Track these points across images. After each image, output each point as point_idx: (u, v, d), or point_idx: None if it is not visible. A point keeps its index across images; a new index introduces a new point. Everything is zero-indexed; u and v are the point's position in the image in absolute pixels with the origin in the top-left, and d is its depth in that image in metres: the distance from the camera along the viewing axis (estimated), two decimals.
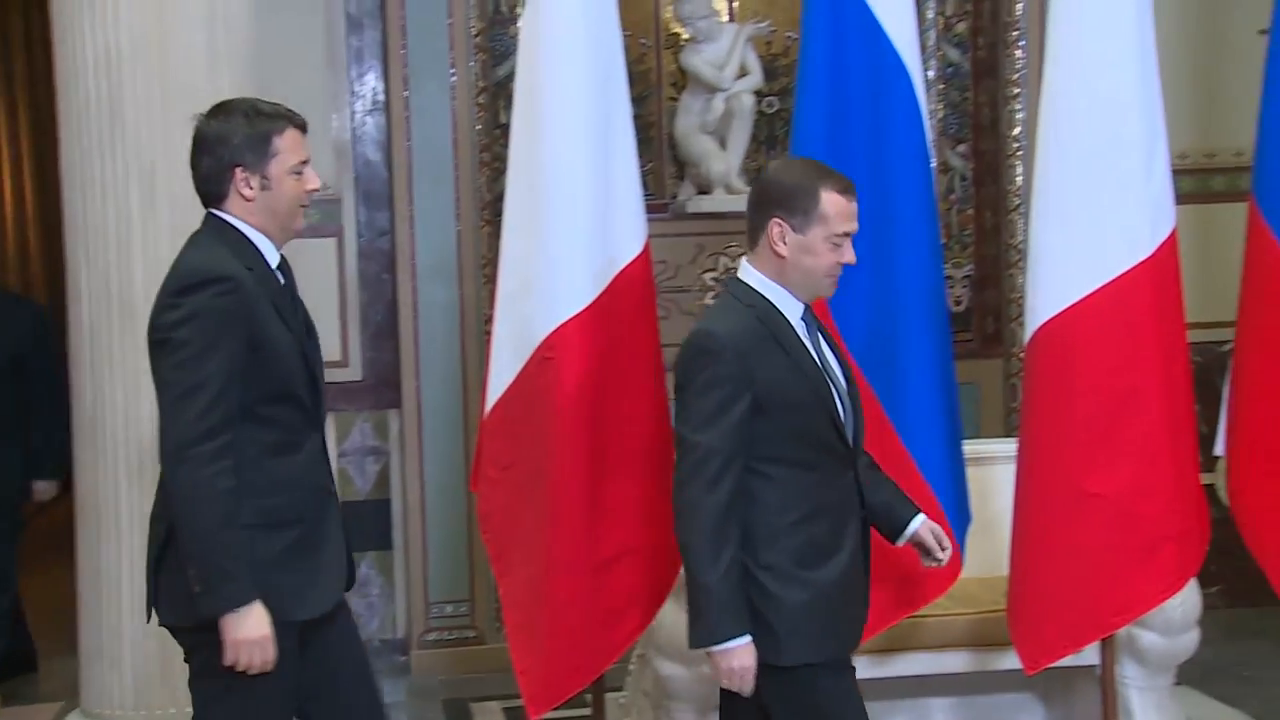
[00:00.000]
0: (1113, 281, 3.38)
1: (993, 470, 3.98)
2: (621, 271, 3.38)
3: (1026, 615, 3.49)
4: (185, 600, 2.62)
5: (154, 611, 2.75)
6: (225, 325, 2.59)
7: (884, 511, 2.96)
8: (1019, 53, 5.49)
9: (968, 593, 3.97)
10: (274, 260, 2.76)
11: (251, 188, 2.71)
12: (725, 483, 2.68)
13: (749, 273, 2.82)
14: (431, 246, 5.49)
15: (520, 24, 3.45)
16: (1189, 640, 3.94)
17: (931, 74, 5.77)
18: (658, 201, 6.26)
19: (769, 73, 6.02)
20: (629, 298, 3.40)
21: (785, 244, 2.76)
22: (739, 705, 2.81)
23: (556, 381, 3.29)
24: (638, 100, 6.25)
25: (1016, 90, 5.52)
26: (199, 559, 2.58)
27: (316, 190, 2.80)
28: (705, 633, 2.69)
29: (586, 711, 3.58)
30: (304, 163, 2.75)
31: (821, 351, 2.85)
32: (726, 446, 2.68)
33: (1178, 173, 5.50)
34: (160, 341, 2.63)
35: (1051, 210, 3.47)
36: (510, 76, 4.52)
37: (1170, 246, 3.47)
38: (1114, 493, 3.38)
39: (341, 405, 5.59)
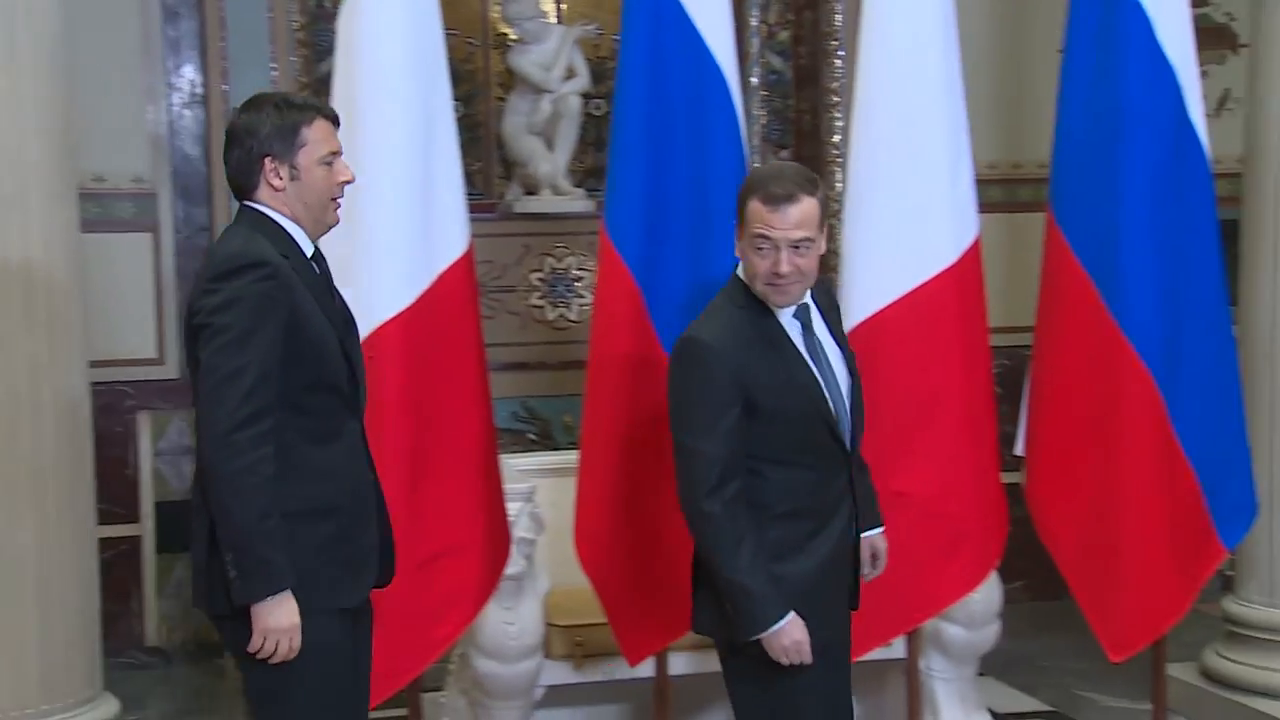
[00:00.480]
0: (917, 288, 3.50)
1: None
2: (444, 272, 3.37)
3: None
4: (226, 590, 2.58)
5: (204, 602, 2.67)
6: (265, 311, 2.55)
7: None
8: (838, 62, 5.63)
9: None
10: (309, 250, 2.73)
11: (281, 178, 2.68)
12: (729, 487, 2.75)
13: (741, 273, 2.88)
14: None
15: (339, 19, 3.40)
16: (990, 633, 4.10)
17: (755, 80, 5.89)
18: (485, 201, 6.26)
19: (596, 75, 6.07)
20: (452, 298, 3.39)
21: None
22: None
23: (377, 382, 3.27)
24: (465, 100, 6.27)
25: (836, 99, 5.66)
26: (236, 545, 2.53)
27: (350, 181, 2.76)
28: (750, 625, 2.76)
29: (404, 712, 3.57)
30: (335, 154, 2.72)
31: (818, 351, 2.86)
32: (724, 452, 2.74)
33: (986, 183, 5.76)
34: (200, 327, 2.59)
35: (861, 217, 3.58)
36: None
37: (973, 254, 3.61)
38: (918, 492, 3.50)
39: (158, 404, 5.46)
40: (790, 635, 2.76)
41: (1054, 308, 3.65)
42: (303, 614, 2.58)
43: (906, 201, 3.52)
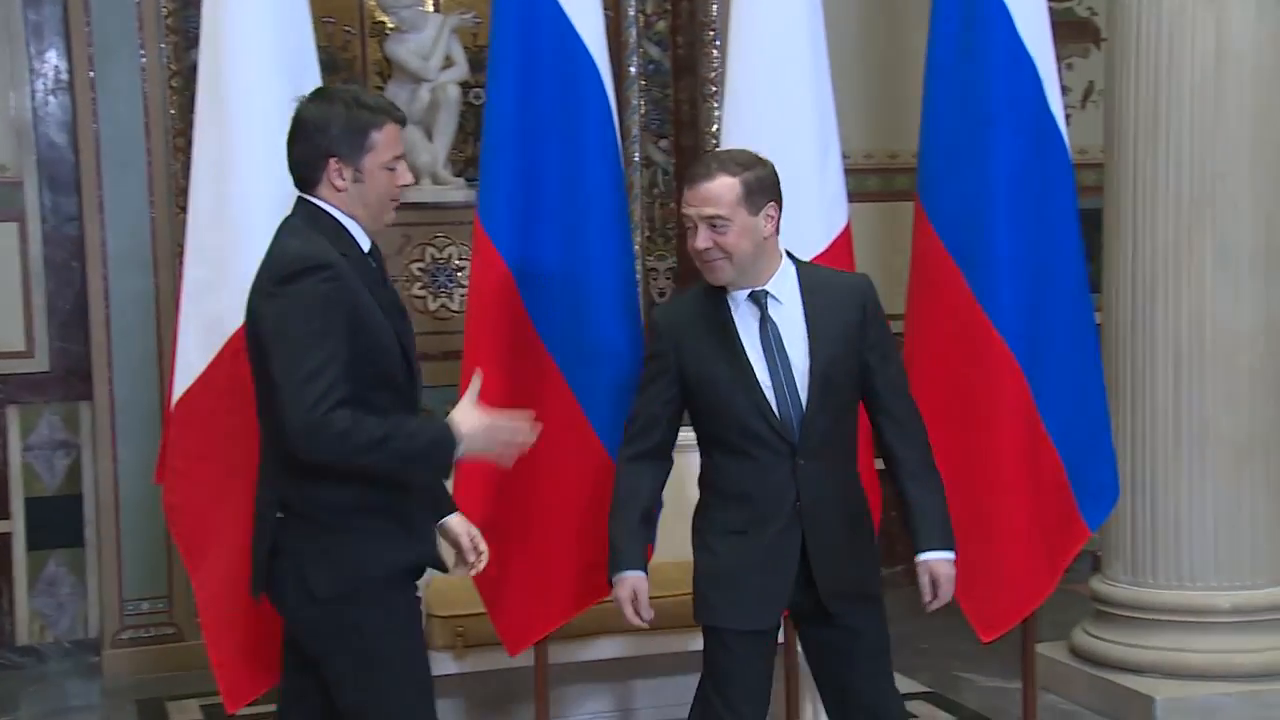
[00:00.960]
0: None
1: (689, 457, 4.12)
2: None
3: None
4: (303, 583, 2.68)
5: (270, 599, 2.78)
6: (331, 312, 2.59)
7: (912, 522, 3.01)
8: (715, 52, 5.66)
9: (666, 576, 4.07)
10: (365, 245, 2.77)
11: (344, 179, 2.72)
12: (636, 443, 3.01)
13: None
14: (123, 234, 5.29)
15: (205, 6, 3.35)
16: None
17: (633, 70, 5.90)
18: None
19: (476, 64, 6.03)
20: None
21: None
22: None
23: (250, 377, 3.24)
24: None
25: (714, 88, 5.69)
26: (407, 465, 2.70)
27: (410, 185, 2.82)
28: (609, 573, 3.02)
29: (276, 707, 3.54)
30: (398, 158, 2.76)
31: (770, 341, 2.89)
32: (644, 412, 3.01)
33: (864, 172, 5.90)
34: (267, 334, 2.62)
35: None
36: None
37: (843, 242, 3.66)
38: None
39: (27, 397, 5.35)
40: (620, 590, 2.99)
41: (923, 295, 3.72)
42: (373, 602, 2.70)
43: None
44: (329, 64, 6.11)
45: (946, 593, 3.01)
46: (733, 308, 2.94)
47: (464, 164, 6.12)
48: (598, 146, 3.45)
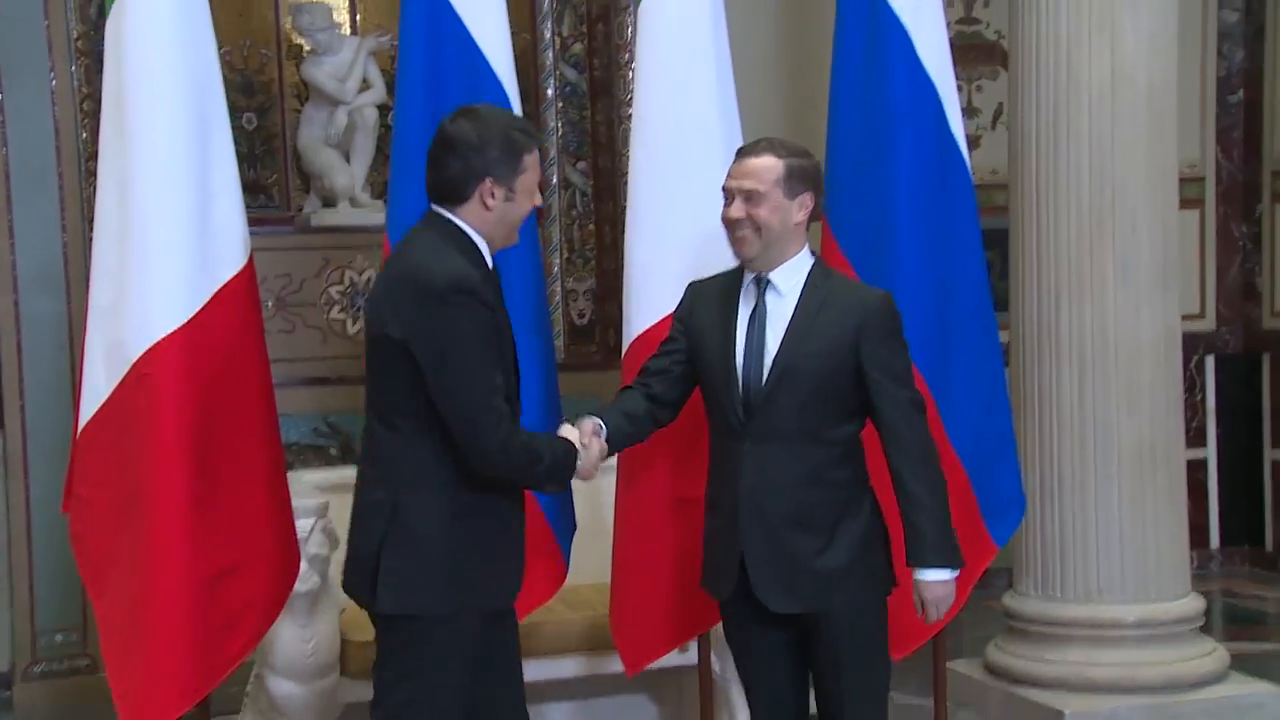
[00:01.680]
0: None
1: (605, 479, 4.14)
2: (223, 287, 3.30)
3: (627, 618, 3.65)
4: (402, 588, 2.82)
5: (371, 597, 2.86)
6: (491, 333, 2.78)
7: (905, 539, 3.03)
8: (631, 74, 5.71)
9: (581, 598, 4.11)
10: (490, 264, 2.91)
11: (494, 198, 2.84)
12: (637, 379, 3.21)
13: None
14: (34, 257, 5.23)
15: (107, 26, 3.33)
16: None
17: (550, 92, 5.94)
18: (282, 214, 6.19)
19: (392, 86, 5.99)
20: (233, 313, 3.32)
21: None
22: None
23: (155, 399, 3.21)
24: (260, 111, 6.19)
25: (630, 110, 5.71)
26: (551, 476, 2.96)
27: (540, 206, 2.97)
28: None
29: None
30: (538, 181, 2.93)
31: (757, 322, 3.00)
32: (652, 362, 3.20)
33: None
34: (435, 349, 2.75)
35: (643, 227, 3.65)
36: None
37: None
38: (702, 498, 3.59)
39: None
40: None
41: None
42: (452, 614, 2.82)
43: (684, 214, 3.59)
44: (245, 87, 6.12)
45: (937, 615, 3.04)
46: (741, 288, 3.07)
47: (383, 186, 6.11)
48: None
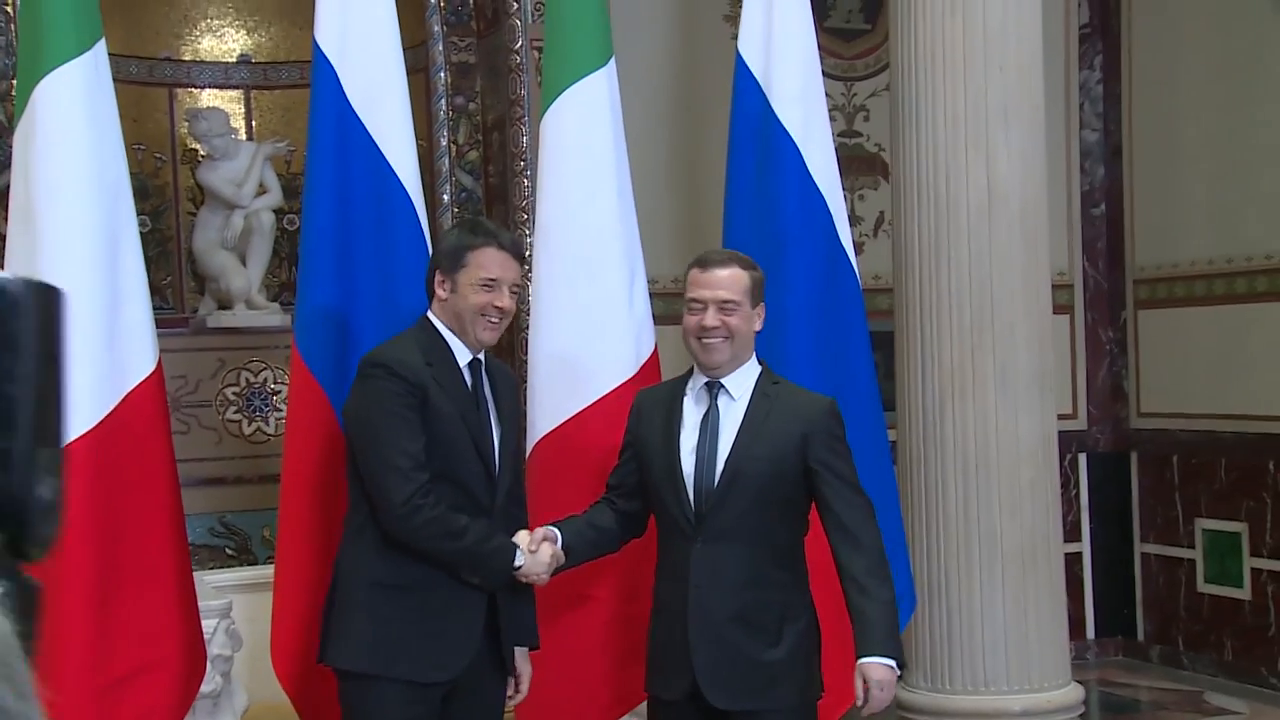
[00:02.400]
0: (597, 401, 3.67)
1: None
2: (132, 391, 3.31)
3: (533, 715, 3.68)
4: (329, 641, 3.15)
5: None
6: (396, 401, 3.07)
7: (854, 629, 3.08)
8: (526, 181, 5.82)
9: None
10: (464, 358, 3.19)
11: (444, 290, 3.19)
12: (605, 494, 3.38)
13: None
14: None
15: (15, 134, 3.34)
16: None
17: (446, 198, 6.03)
18: (177, 316, 6.17)
19: (289, 191, 6.10)
20: (140, 417, 3.33)
21: None
22: None
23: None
24: (155, 215, 6.19)
25: (525, 215, 5.83)
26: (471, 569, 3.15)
27: (501, 308, 3.17)
28: None
29: None
30: (492, 279, 3.15)
31: (709, 426, 3.15)
32: (612, 478, 3.38)
33: (674, 295, 6.07)
34: (348, 418, 3.21)
35: (545, 331, 3.73)
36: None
37: (653, 365, 3.80)
38: (608, 595, 3.65)
39: None
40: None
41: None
42: (375, 681, 3.07)
43: (586, 318, 3.69)
44: (140, 190, 6.09)
45: (880, 699, 3.07)
46: (688, 392, 3.20)
47: (278, 289, 6.15)
48: (413, 274, 3.52)
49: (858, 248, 6.35)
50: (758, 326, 3.21)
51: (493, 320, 3.18)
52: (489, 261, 3.17)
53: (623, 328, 3.75)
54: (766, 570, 3.11)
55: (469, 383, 3.21)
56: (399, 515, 3.06)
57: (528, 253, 5.84)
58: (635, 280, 3.81)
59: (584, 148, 3.74)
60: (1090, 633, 6.90)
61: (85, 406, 3.21)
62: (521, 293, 3.48)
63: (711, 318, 3.13)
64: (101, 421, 3.23)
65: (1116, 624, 6.93)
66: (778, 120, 3.83)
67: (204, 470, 5.79)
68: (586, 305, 3.71)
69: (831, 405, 3.19)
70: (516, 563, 3.13)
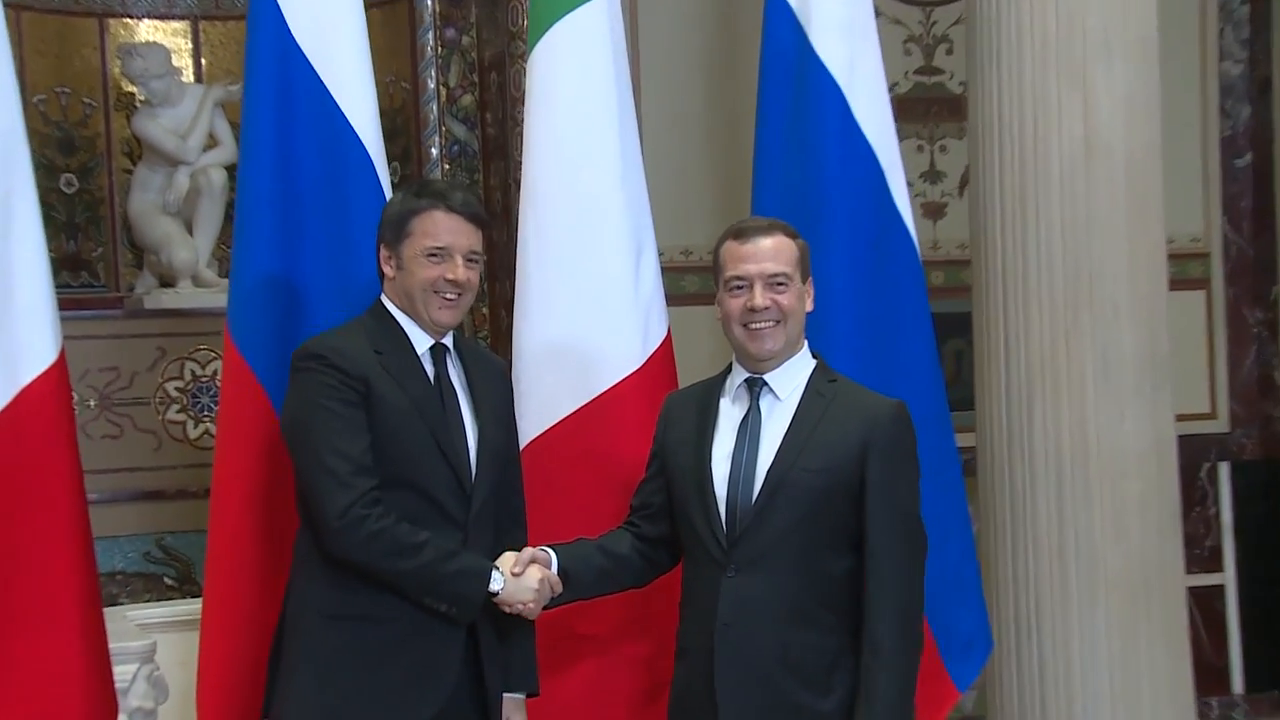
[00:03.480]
0: (595, 399, 3.71)
1: None
2: (25, 389, 3.32)
3: None
4: (273, 687, 3.25)
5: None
6: (333, 396, 3.14)
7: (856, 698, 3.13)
8: None
9: None
10: (423, 345, 3.27)
11: (390, 267, 3.27)
12: (627, 518, 3.45)
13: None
14: None
15: None
16: None
17: (434, 151, 6.06)
18: (110, 295, 6.26)
19: None
20: (36, 420, 3.33)
21: None
22: None
23: None
24: (82, 172, 6.27)
25: None
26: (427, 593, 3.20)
27: (455, 281, 3.22)
28: None
29: None
30: (439, 249, 3.21)
31: (747, 432, 3.18)
32: (636, 499, 3.45)
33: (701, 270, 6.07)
34: (283, 421, 3.30)
35: (533, 315, 3.77)
36: None
37: (663, 356, 3.83)
38: (608, 632, 3.68)
39: None
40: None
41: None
42: None
43: (582, 299, 3.73)
44: (64, 143, 6.20)
45: None
46: (725, 392, 3.25)
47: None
48: (371, 246, 3.53)
49: (939, 210, 6.43)
50: (809, 307, 3.25)
51: (448, 297, 3.23)
52: (435, 227, 3.22)
53: (627, 309, 3.77)
54: (812, 608, 3.13)
55: (430, 372, 3.26)
56: (336, 530, 3.11)
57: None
58: (643, 252, 3.83)
59: (579, 92, 3.76)
60: (1237, 686, 6.81)
61: None
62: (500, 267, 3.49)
63: (760, 297, 3.16)
64: None
65: (1272, 675, 6.84)
66: (816, 57, 3.83)
67: (139, 482, 5.88)
68: (583, 282, 3.74)
69: (900, 410, 3.22)
70: (492, 586, 3.17)
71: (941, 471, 3.93)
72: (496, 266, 6.19)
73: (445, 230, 3.23)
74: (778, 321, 3.17)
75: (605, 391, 3.75)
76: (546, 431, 3.75)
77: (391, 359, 3.22)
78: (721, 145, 6.06)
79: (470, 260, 3.26)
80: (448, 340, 3.31)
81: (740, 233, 3.23)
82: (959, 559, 4.00)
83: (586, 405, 3.74)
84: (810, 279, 3.26)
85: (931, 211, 6.46)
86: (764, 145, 3.91)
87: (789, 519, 3.12)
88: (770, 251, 3.18)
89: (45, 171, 6.14)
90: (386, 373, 3.19)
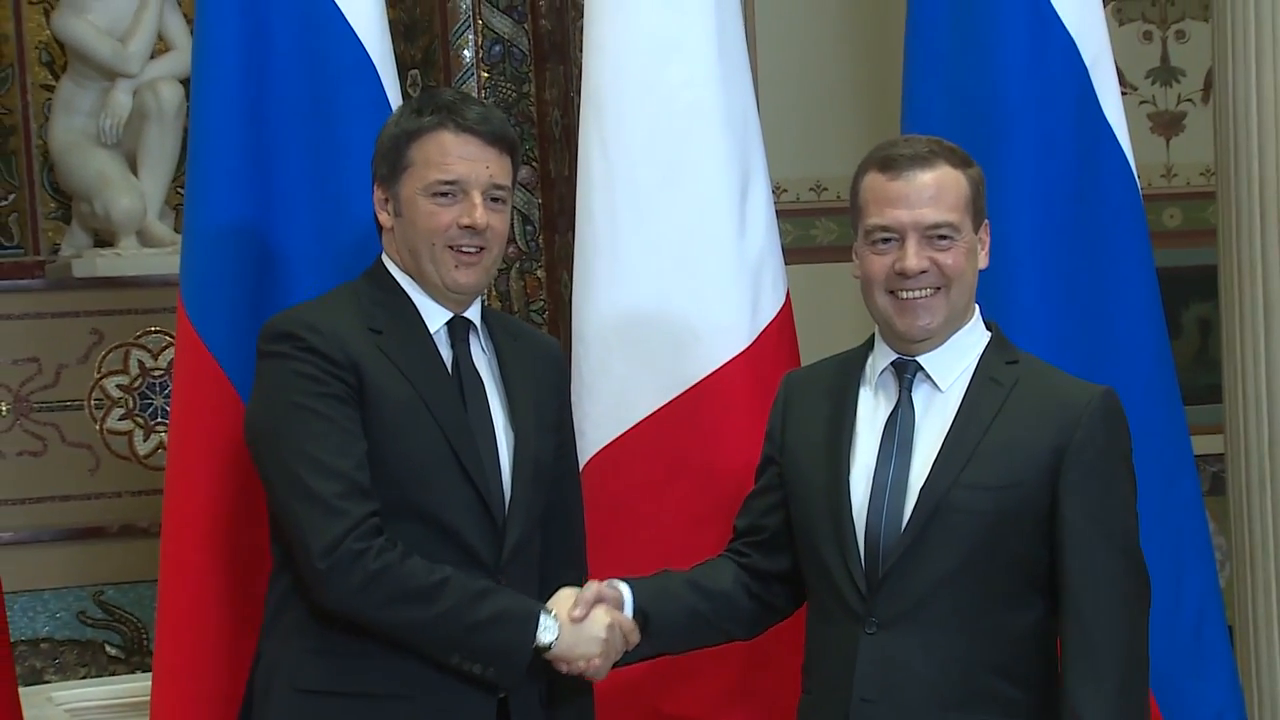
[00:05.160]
0: (687, 392, 3.76)
1: None
2: None
3: None
4: None
5: None
6: (312, 390, 3.15)
7: None
8: None
9: None
10: (437, 321, 3.28)
11: (387, 214, 3.31)
12: (729, 544, 3.47)
13: None
14: None
15: None
16: None
17: (469, 55, 6.08)
18: (26, 259, 6.37)
19: None
20: None
21: None
22: None
23: None
24: None
25: None
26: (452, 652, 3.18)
27: (473, 226, 3.21)
28: None
29: None
30: (450, 183, 3.21)
31: (895, 436, 3.17)
32: (740, 519, 3.47)
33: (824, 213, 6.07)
34: (246, 424, 3.29)
35: (600, 275, 3.83)
36: None
37: (780, 330, 3.87)
38: (704, 711, 3.73)
39: None
40: None
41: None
42: None
43: (667, 255, 3.78)
44: None
45: None
46: (867, 379, 3.24)
47: None
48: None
49: (1175, 121, 6.39)
50: (983, 264, 3.25)
51: (465, 251, 3.23)
52: (443, 154, 3.22)
53: (729, 267, 3.81)
54: (985, 678, 3.12)
55: (446, 357, 3.29)
56: (321, 572, 3.10)
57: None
58: (750, 186, 3.87)
59: None
60: None
61: None
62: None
63: (914, 256, 3.15)
64: None
65: None
66: None
67: (69, 515, 5.93)
68: (666, 233, 3.78)
69: (1109, 400, 3.19)
70: (543, 638, 3.17)
71: (1171, 487, 3.93)
72: (555, 212, 6.23)
73: (457, 157, 3.22)
74: (939, 288, 3.16)
75: (700, 382, 3.78)
76: (619, 438, 3.80)
77: (392, 339, 3.23)
78: (863, 39, 6.08)
79: (495, 199, 3.25)
80: (472, 312, 3.32)
81: (887, 162, 3.20)
82: (1199, 610, 3.98)
83: (674, 400, 3.78)
84: (986, 223, 3.24)
85: (1163, 126, 6.45)
86: (920, 39, 3.93)
87: (951, 556, 3.11)
88: (930, 191, 3.16)
89: None
90: (386, 358, 3.20)
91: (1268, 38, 4.52)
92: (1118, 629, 3.11)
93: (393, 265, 3.30)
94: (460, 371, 3.28)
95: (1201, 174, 6.05)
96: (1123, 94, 4.03)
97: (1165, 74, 6.46)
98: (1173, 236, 5.28)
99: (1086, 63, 3.89)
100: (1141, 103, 6.32)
